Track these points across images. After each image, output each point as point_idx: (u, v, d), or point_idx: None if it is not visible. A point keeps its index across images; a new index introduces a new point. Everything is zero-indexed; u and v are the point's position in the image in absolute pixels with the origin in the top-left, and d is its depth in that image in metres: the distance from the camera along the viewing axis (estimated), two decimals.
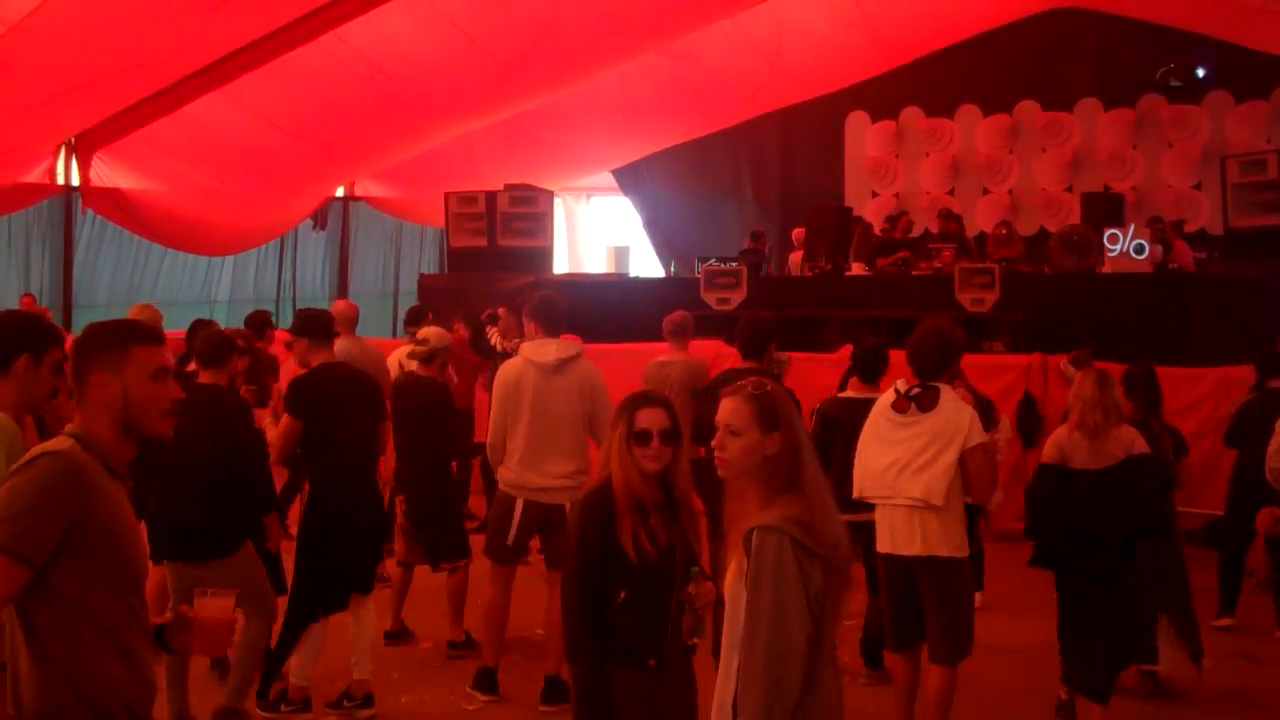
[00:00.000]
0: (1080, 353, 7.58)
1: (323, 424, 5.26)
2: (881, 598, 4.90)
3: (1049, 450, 5.08)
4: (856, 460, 4.73)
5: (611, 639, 3.24)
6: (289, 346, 5.79)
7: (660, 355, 7.03)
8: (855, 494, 4.68)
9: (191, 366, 7.11)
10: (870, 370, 5.96)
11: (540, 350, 5.44)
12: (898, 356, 6.65)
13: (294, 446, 5.32)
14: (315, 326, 5.51)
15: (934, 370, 4.65)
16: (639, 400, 3.37)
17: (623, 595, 3.24)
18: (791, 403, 2.90)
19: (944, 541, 4.55)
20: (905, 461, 4.55)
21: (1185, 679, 5.70)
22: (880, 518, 4.70)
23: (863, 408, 5.39)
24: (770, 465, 2.75)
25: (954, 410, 4.56)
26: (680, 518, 3.37)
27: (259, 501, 5.10)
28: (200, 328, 7.43)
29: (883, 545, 4.68)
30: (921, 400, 4.58)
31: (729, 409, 2.81)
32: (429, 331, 6.55)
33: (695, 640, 3.32)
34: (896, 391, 4.69)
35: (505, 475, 5.46)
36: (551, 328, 5.55)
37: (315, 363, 5.45)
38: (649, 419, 3.30)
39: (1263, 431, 6.13)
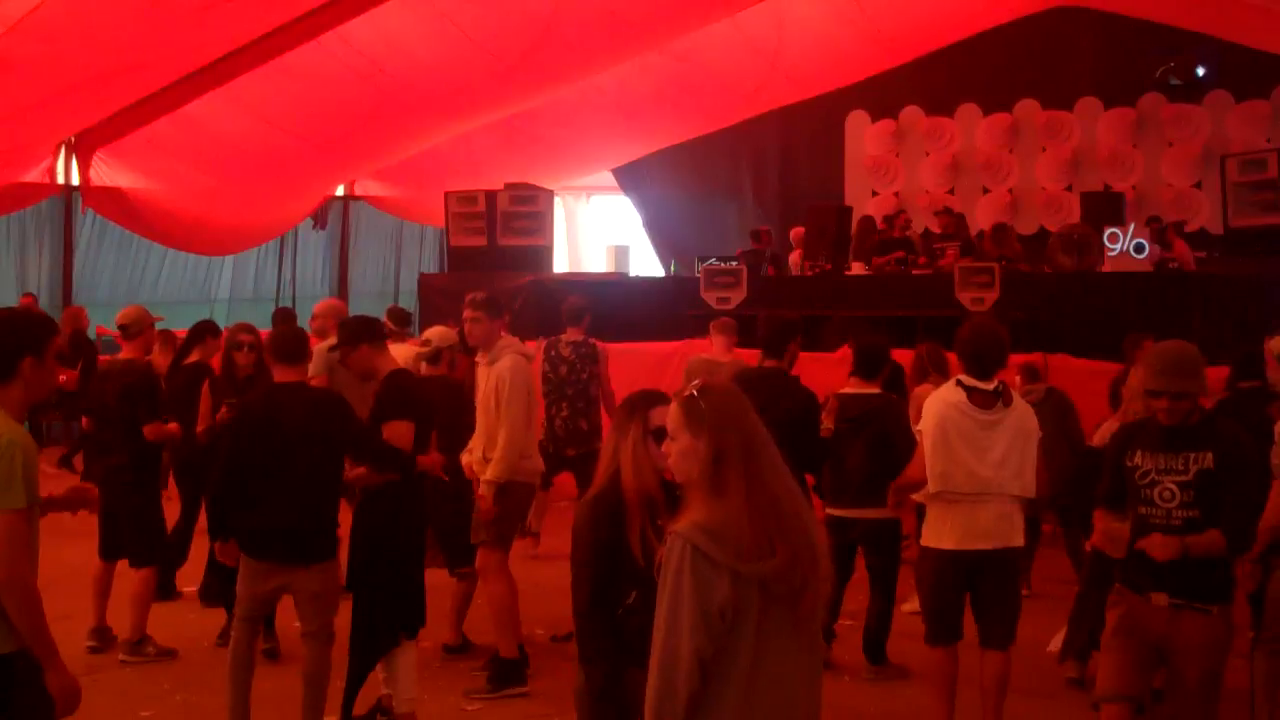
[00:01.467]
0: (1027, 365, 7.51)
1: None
2: (928, 593, 4.87)
3: (1099, 439, 5.66)
4: (939, 456, 4.69)
5: (622, 640, 3.20)
6: (343, 361, 5.29)
7: (704, 352, 7.41)
8: (937, 488, 4.69)
9: (191, 359, 7.13)
10: (870, 367, 5.99)
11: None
12: (898, 355, 6.71)
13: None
14: (372, 330, 5.18)
15: (999, 367, 4.79)
16: (651, 398, 3.31)
17: (633, 596, 3.19)
18: (728, 406, 2.74)
19: (1020, 532, 4.74)
20: (1002, 457, 4.65)
21: None
22: (955, 513, 4.68)
23: (867, 402, 5.60)
24: (701, 469, 2.68)
25: (1024, 406, 4.81)
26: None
27: (394, 462, 4.83)
28: (206, 328, 7.43)
29: (953, 542, 4.67)
30: (1004, 397, 4.72)
31: (669, 413, 2.79)
32: (433, 331, 6.54)
33: None
34: (966, 388, 4.73)
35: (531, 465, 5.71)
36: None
37: (385, 367, 5.13)
38: (663, 415, 3.25)
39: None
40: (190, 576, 7.13)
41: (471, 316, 5.63)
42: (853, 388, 5.93)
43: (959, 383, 4.77)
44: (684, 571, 2.57)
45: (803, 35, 14.28)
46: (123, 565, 6.15)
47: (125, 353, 6.20)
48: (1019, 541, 4.72)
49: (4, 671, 3.07)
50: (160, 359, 9.69)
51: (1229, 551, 3.90)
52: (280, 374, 4.89)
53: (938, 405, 4.79)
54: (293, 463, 4.65)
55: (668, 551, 2.62)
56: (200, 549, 7.09)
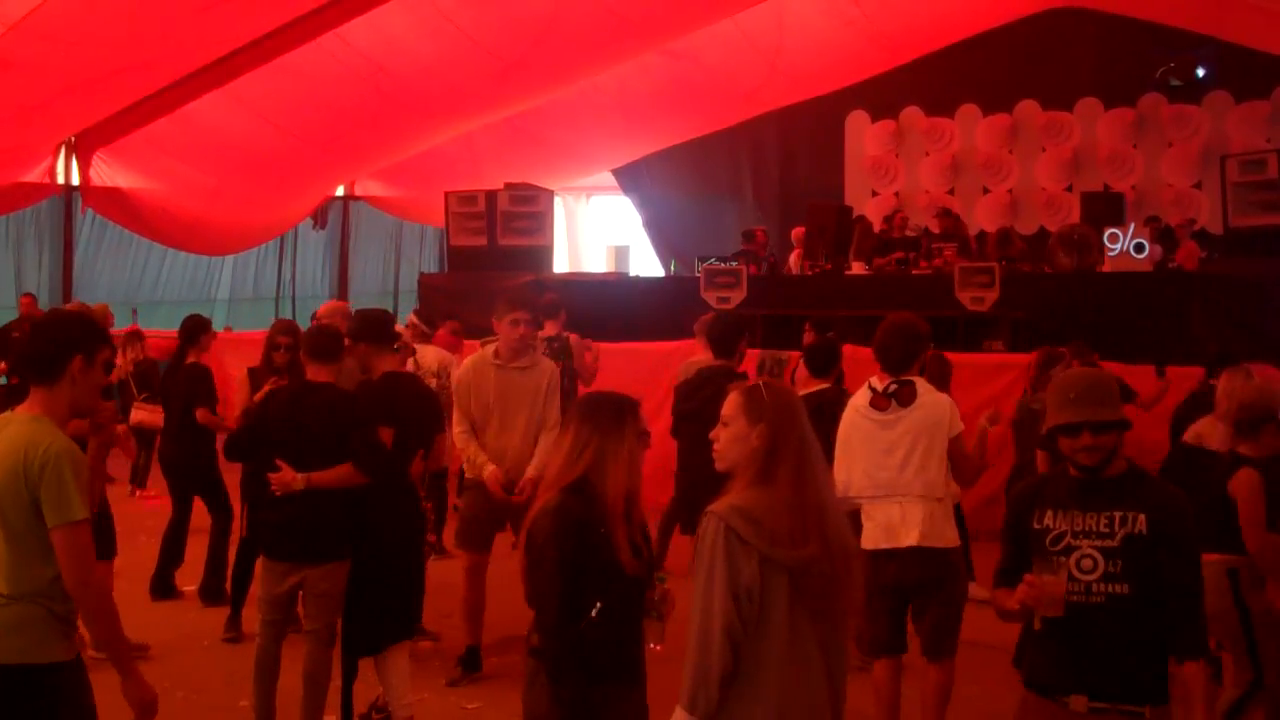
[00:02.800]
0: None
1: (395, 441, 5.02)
2: (867, 601, 4.85)
3: (1190, 437, 5.77)
4: (839, 460, 4.67)
5: (587, 654, 3.06)
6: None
7: (692, 356, 7.31)
8: (840, 494, 4.61)
9: (188, 359, 7.11)
10: (820, 364, 6.05)
11: None
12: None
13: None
14: (375, 330, 5.19)
15: (902, 363, 4.67)
16: (633, 402, 3.25)
17: (597, 608, 3.07)
18: (790, 402, 2.87)
19: (939, 533, 4.58)
20: (901, 457, 4.57)
21: None
22: (873, 515, 4.65)
23: (820, 396, 5.62)
24: (751, 456, 2.78)
25: (933, 402, 4.63)
26: (639, 520, 3.26)
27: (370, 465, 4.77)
28: (198, 322, 7.41)
29: (874, 542, 4.59)
30: (900, 395, 4.61)
31: (727, 401, 2.87)
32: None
33: (658, 646, 3.19)
34: (872, 390, 4.70)
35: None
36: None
37: (380, 369, 5.16)
38: (644, 419, 3.25)
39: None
40: (190, 575, 7.14)
41: (525, 319, 5.74)
42: (803, 386, 5.98)
43: (868, 384, 4.75)
44: (717, 550, 2.66)
45: (803, 35, 14.28)
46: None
47: None
48: (940, 542, 4.56)
49: (53, 680, 3.05)
50: (127, 358, 9.68)
51: (1194, 659, 3.09)
52: (313, 372, 4.90)
53: (847, 410, 4.77)
54: (311, 462, 4.68)
55: (703, 531, 2.70)
56: (198, 547, 7.12)
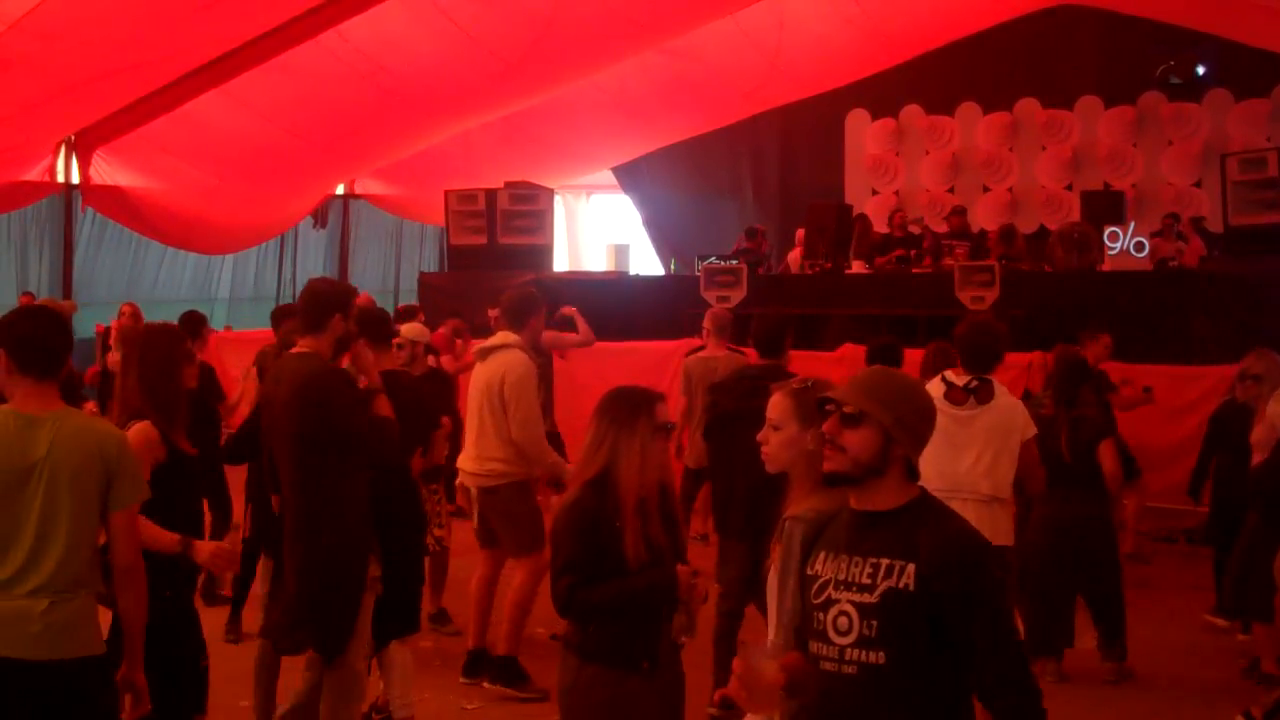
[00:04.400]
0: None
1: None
2: None
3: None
4: None
5: (605, 642, 3.15)
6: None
7: (701, 352, 7.32)
8: None
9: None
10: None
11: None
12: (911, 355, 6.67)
13: None
14: (373, 329, 5.06)
15: (986, 363, 4.73)
16: (649, 394, 3.25)
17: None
18: None
19: (1001, 533, 4.62)
20: (973, 456, 4.61)
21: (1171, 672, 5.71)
22: None
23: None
24: (808, 460, 2.73)
25: (1009, 404, 4.69)
26: (672, 513, 3.29)
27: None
28: (197, 317, 7.42)
29: None
30: (979, 393, 4.64)
31: (773, 403, 2.84)
32: (410, 328, 6.58)
33: (686, 639, 3.26)
34: (948, 384, 4.70)
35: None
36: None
37: (379, 366, 4.99)
38: (665, 412, 3.24)
39: (1242, 431, 6.17)
40: None
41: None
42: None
43: (943, 378, 4.78)
44: (793, 553, 2.65)
45: (803, 34, 14.28)
46: None
47: None
48: (1000, 541, 4.56)
49: (92, 675, 3.07)
50: (115, 355, 9.63)
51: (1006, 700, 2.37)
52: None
53: None
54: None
55: (787, 535, 2.70)
56: None
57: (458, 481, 6.00)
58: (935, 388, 4.73)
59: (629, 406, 3.20)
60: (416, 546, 5.15)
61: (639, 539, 3.12)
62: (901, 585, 2.32)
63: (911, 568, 2.32)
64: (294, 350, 4.21)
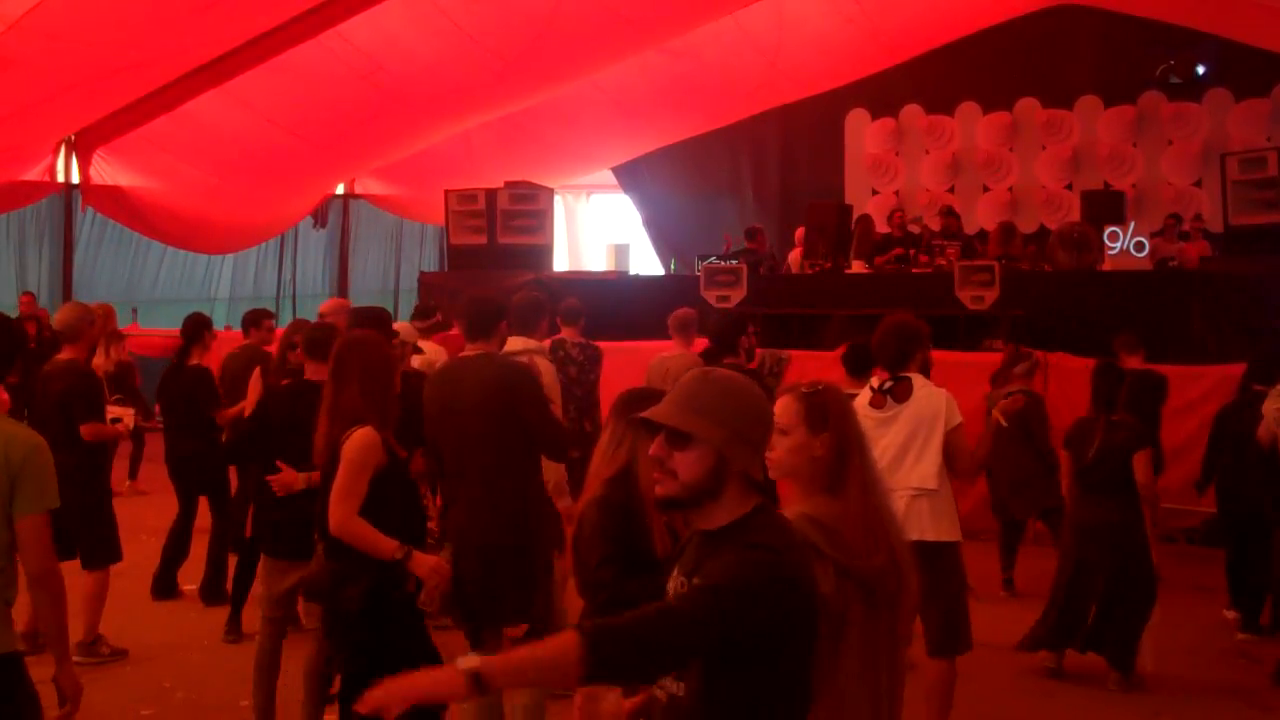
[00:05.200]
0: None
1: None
2: None
3: None
4: None
5: None
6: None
7: (664, 351, 7.10)
8: None
9: (190, 360, 7.11)
10: (858, 365, 6.09)
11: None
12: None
13: None
14: (372, 327, 5.02)
15: (899, 361, 4.73)
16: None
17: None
18: (845, 405, 2.79)
19: (935, 526, 4.59)
20: (896, 453, 4.60)
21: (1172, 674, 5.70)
22: None
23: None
24: (815, 466, 2.67)
25: (928, 396, 4.66)
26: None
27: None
28: (201, 320, 7.41)
29: None
30: (895, 392, 4.66)
31: (781, 407, 2.73)
32: (400, 326, 6.59)
33: None
34: (871, 388, 4.75)
35: None
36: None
37: None
38: None
39: (1244, 432, 6.16)
40: (191, 574, 7.14)
41: None
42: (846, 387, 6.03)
43: (869, 384, 4.82)
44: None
45: (803, 34, 14.28)
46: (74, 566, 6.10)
47: (66, 354, 5.99)
48: (934, 535, 4.57)
49: (16, 668, 3.09)
50: (110, 358, 9.62)
51: None
52: (311, 371, 4.88)
53: (854, 407, 4.82)
54: (310, 459, 4.66)
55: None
56: (201, 547, 7.12)
57: None
58: (863, 396, 4.76)
59: (644, 406, 3.22)
60: (416, 545, 5.14)
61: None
62: None
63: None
64: (467, 354, 4.60)
